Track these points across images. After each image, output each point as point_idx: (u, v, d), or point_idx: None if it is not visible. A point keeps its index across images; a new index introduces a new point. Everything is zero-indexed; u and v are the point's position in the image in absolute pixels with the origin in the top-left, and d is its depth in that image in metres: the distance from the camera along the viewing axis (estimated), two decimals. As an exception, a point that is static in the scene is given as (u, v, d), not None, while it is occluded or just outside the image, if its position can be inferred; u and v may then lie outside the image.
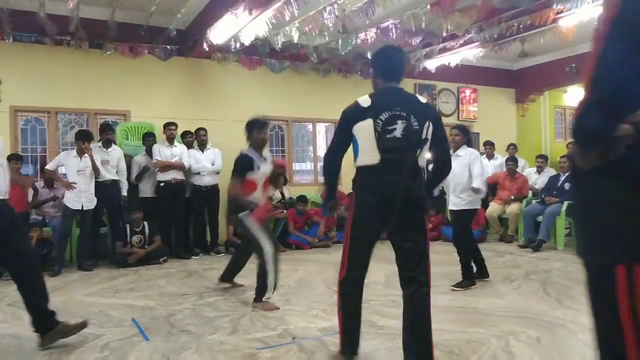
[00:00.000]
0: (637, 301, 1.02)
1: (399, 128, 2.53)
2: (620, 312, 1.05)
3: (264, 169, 4.24)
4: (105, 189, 6.31)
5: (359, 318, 2.82)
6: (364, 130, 2.57)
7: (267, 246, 4.06)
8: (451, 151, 4.77)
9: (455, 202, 4.84)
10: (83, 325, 3.34)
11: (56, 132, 7.31)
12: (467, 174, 4.76)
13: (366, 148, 2.58)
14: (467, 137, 4.95)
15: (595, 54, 1.10)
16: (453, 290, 4.64)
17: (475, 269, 4.89)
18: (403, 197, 2.50)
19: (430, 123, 2.63)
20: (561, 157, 7.95)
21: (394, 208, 2.51)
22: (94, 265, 6.14)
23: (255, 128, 4.31)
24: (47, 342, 3.22)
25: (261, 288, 4.13)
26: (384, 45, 2.85)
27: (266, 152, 4.42)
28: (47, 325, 3.24)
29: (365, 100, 2.62)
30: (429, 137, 2.64)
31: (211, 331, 3.54)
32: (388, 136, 2.53)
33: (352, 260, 2.70)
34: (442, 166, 2.88)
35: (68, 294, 4.86)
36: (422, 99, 2.75)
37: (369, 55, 8.32)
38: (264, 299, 4.12)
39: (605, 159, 1.06)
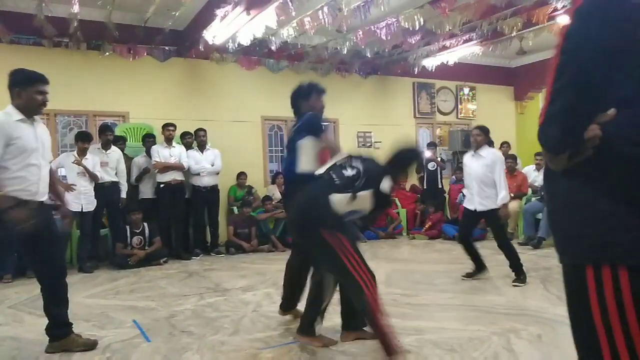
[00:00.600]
0: (606, 300, 1.04)
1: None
2: (592, 311, 1.06)
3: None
4: (104, 191, 6.30)
5: None
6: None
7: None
8: (473, 151, 4.95)
9: (485, 203, 4.83)
10: (93, 345, 3.25)
11: (55, 134, 7.30)
12: (490, 172, 4.81)
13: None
14: (488, 137, 5.03)
15: (555, 64, 1.13)
16: (515, 286, 4.66)
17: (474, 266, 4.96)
18: None
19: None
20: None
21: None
22: (94, 267, 6.14)
23: (314, 93, 3.66)
24: (52, 349, 3.19)
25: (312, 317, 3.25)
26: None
27: None
28: (60, 333, 3.21)
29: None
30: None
31: (212, 332, 3.54)
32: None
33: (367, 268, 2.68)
34: None
35: (69, 295, 4.84)
36: None
37: (367, 55, 8.34)
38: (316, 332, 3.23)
39: (574, 160, 1.08)
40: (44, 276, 3.16)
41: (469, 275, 4.96)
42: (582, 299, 1.09)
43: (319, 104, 3.62)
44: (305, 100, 3.62)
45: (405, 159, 2.92)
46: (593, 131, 1.05)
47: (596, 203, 1.06)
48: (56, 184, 3.44)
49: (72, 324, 3.27)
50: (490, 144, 5.05)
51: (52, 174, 3.29)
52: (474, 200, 4.90)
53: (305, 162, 3.23)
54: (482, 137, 4.95)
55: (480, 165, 4.84)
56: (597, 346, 1.05)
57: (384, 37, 6.78)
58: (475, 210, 4.91)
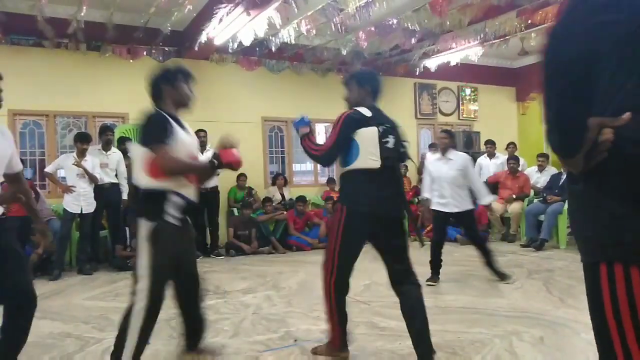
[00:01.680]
0: (618, 297, 1.08)
1: (391, 141, 2.77)
2: (605, 307, 1.11)
3: None
4: (104, 193, 6.27)
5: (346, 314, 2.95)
6: (367, 136, 2.72)
7: None
8: (439, 154, 5.05)
9: (460, 204, 4.91)
10: None
11: (55, 135, 7.29)
12: (462, 175, 4.93)
13: (369, 152, 2.72)
14: (453, 140, 5.19)
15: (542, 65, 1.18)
16: (504, 283, 4.80)
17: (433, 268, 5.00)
18: (392, 213, 2.78)
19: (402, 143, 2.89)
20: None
21: (384, 223, 2.76)
22: (93, 269, 6.11)
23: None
24: None
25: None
26: (371, 70, 3.27)
27: None
28: None
29: (366, 111, 2.79)
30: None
31: (212, 334, 3.51)
32: (386, 146, 2.75)
33: (344, 266, 2.81)
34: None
35: (68, 297, 4.83)
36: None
37: (366, 55, 8.32)
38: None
39: (591, 163, 1.11)
40: (6, 303, 2.53)
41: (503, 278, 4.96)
42: (596, 295, 1.14)
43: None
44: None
45: None
46: (606, 135, 1.07)
47: (608, 204, 1.10)
48: (29, 195, 2.79)
49: None
50: (455, 147, 5.17)
51: (22, 184, 2.75)
52: (448, 203, 4.94)
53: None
54: (448, 140, 5.07)
55: (450, 168, 4.94)
56: (609, 339, 1.11)
57: (384, 38, 6.76)
58: (448, 212, 4.97)
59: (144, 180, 2.45)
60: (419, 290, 2.81)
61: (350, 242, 2.76)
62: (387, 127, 2.78)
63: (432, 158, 5.20)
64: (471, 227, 5.09)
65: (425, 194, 5.13)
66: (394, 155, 2.77)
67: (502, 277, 4.92)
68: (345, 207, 2.77)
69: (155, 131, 2.44)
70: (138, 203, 2.52)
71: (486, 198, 5.07)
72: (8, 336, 2.52)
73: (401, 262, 2.80)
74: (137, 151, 2.48)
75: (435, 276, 4.94)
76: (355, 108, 2.82)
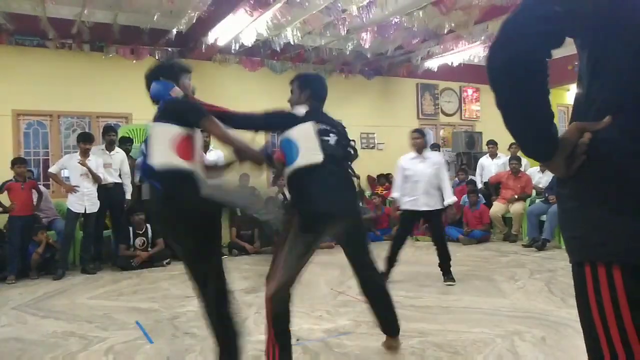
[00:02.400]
0: (602, 296, 1.10)
1: (332, 139, 2.69)
2: (591, 306, 1.13)
3: None
4: (107, 192, 6.30)
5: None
6: (303, 131, 2.66)
7: None
8: (414, 153, 5.07)
9: (430, 202, 4.97)
10: None
11: (58, 136, 7.33)
12: (436, 174, 4.99)
13: (308, 148, 2.62)
14: (425, 139, 5.19)
15: None
16: (449, 285, 4.82)
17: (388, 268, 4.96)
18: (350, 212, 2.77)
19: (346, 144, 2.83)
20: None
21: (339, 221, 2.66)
22: (97, 269, 6.14)
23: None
24: None
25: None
26: (316, 74, 3.35)
27: None
28: None
29: (300, 111, 2.76)
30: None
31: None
32: (328, 142, 2.66)
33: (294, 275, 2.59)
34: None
35: (72, 297, 4.85)
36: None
37: (369, 56, 8.33)
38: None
39: (573, 167, 1.14)
40: None
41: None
42: (583, 294, 1.16)
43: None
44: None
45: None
46: (584, 139, 1.11)
47: (590, 206, 1.13)
48: None
49: None
50: (426, 146, 5.25)
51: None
52: (419, 201, 4.97)
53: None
54: (421, 139, 5.10)
55: (427, 166, 5.00)
56: (596, 338, 1.13)
57: (387, 38, 6.77)
58: (417, 211, 5.01)
59: (174, 160, 2.39)
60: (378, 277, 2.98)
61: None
62: (326, 128, 2.71)
63: (406, 158, 5.15)
64: (438, 226, 5.12)
65: (396, 193, 5.15)
66: (337, 152, 2.67)
67: (449, 277, 4.93)
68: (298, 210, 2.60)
69: (195, 107, 2.53)
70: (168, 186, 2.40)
71: (450, 199, 5.06)
72: None
73: (360, 255, 2.90)
74: (168, 131, 2.46)
75: (387, 274, 4.88)
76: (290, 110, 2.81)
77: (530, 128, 1.18)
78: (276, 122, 2.89)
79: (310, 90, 2.87)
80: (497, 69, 1.16)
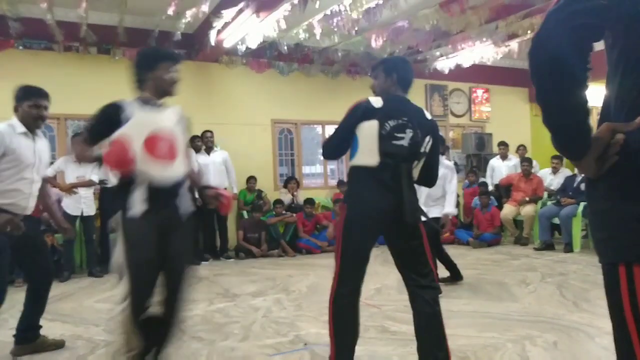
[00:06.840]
0: (637, 297, 1.10)
1: (405, 137, 2.53)
2: (624, 306, 1.12)
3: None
4: (112, 195, 6.27)
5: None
6: (365, 130, 2.53)
7: None
8: None
9: (431, 211, 4.74)
10: (60, 344, 3.38)
11: (65, 139, 7.33)
12: (441, 185, 4.72)
13: (366, 148, 2.52)
14: (443, 147, 5.04)
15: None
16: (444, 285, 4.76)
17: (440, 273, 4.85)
18: (400, 210, 2.48)
19: (431, 139, 2.64)
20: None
21: (391, 220, 2.50)
22: (104, 272, 6.12)
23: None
24: (20, 352, 3.24)
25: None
26: (402, 58, 3.10)
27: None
28: (31, 335, 3.30)
29: (378, 102, 2.57)
30: (427, 151, 2.65)
31: (222, 338, 3.50)
32: (393, 142, 2.51)
33: (345, 269, 2.55)
34: (428, 180, 2.80)
35: (79, 300, 4.84)
36: (428, 115, 2.71)
37: (377, 57, 8.26)
38: None
39: (604, 167, 1.14)
40: (31, 279, 3.44)
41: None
42: (615, 296, 1.15)
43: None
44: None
45: None
46: (617, 139, 1.10)
47: (623, 206, 1.11)
48: (46, 199, 3.43)
49: (41, 326, 3.36)
50: (443, 154, 5.09)
51: (45, 188, 3.38)
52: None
53: None
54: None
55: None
56: (629, 341, 1.12)
57: (395, 39, 6.72)
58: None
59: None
60: (433, 302, 2.57)
61: (351, 243, 2.52)
62: (403, 122, 2.52)
63: None
64: (430, 235, 5.04)
65: None
66: (402, 153, 2.51)
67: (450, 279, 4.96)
68: (346, 205, 2.57)
69: (90, 124, 2.70)
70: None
71: (448, 209, 4.79)
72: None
73: (413, 267, 2.57)
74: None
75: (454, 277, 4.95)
76: (369, 98, 2.59)
77: (568, 123, 1.17)
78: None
79: (397, 74, 2.66)
80: (539, 63, 1.15)
